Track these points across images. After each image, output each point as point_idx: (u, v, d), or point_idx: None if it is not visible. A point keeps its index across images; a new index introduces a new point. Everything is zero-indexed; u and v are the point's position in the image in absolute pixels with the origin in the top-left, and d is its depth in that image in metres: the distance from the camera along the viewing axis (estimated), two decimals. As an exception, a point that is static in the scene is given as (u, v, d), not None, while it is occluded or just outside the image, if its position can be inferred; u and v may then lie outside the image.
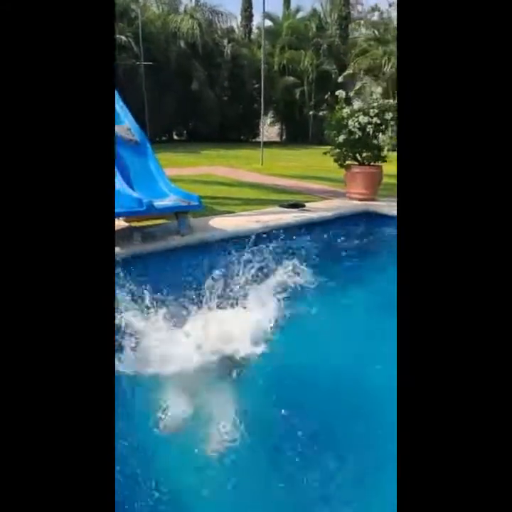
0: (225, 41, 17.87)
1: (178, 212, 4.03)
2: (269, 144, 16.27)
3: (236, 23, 19.87)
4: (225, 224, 4.64)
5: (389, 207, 5.70)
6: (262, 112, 11.84)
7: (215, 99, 17.77)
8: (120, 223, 4.11)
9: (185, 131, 20.13)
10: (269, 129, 22.36)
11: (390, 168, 6.51)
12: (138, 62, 14.03)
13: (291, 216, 5.11)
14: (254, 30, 21.18)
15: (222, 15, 17.61)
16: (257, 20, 20.97)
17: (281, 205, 5.59)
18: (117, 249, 3.54)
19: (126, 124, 4.78)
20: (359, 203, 5.96)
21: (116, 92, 5.02)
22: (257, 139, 19.72)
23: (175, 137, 19.88)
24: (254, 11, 20.70)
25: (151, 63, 14.12)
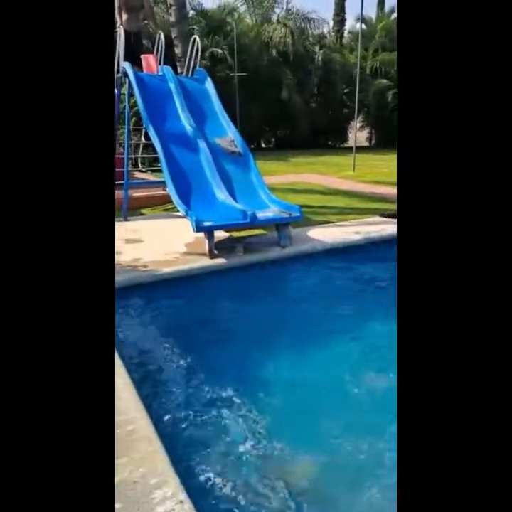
0: (317, 48, 17.76)
1: (278, 224, 3.99)
2: (358, 149, 15.78)
3: (328, 28, 19.68)
4: (324, 235, 4.50)
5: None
6: (356, 116, 11.52)
7: (303, 105, 17.73)
8: (220, 233, 4.18)
9: (273, 139, 20.36)
10: (358, 134, 21.71)
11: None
12: (231, 74, 14.51)
13: (394, 227, 4.81)
14: (346, 34, 20.79)
15: (314, 21, 17.57)
16: (349, 23, 20.60)
17: (382, 215, 5.30)
18: (221, 260, 3.60)
19: (229, 136, 4.89)
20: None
21: (220, 104, 5.17)
22: (346, 145, 19.29)
23: (263, 145, 20.19)
24: (346, 16, 20.36)
25: (244, 74, 14.52)
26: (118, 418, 1.58)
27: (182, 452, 1.69)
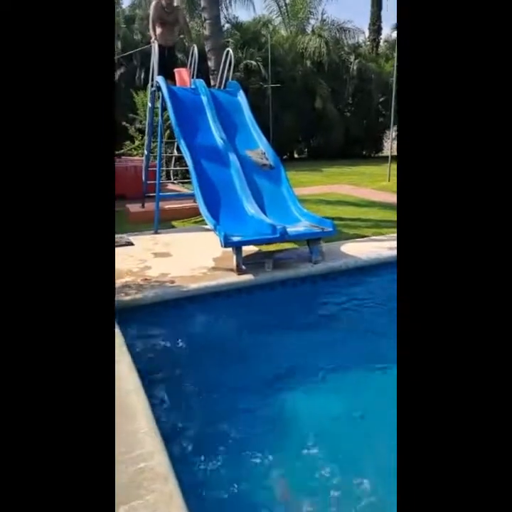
0: (352, 57, 17.59)
1: (310, 239, 3.85)
2: (393, 159, 15.41)
3: (363, 37, 19.47)
4: (358, 250, 4.32)
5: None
6: (392, 125, 11.23)
7: (338, 115, 17.55)
8: (249, 247, 4.09)
9: (306, 149, 20.26)
10: (394, 143, 21.28)
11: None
12: (265, 85, 14.57)
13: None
14: (382, 43, 20.49)
15: (349, 31, 17.46)
16: (385, 32, 20.30)
17: (419, 230, 5.04)
18: (250, 277, 3.49)
19: (260, 149, 4.81)
20: None
21: (252, 116, 5.11)
22: (380, 154, 18.90)
23: (295, 155, 20.11)
24: (382, 24, 20.07)
25: (277, 85, 14.54)
26: (133, 453, 1.50)
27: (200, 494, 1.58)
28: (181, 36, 7.73)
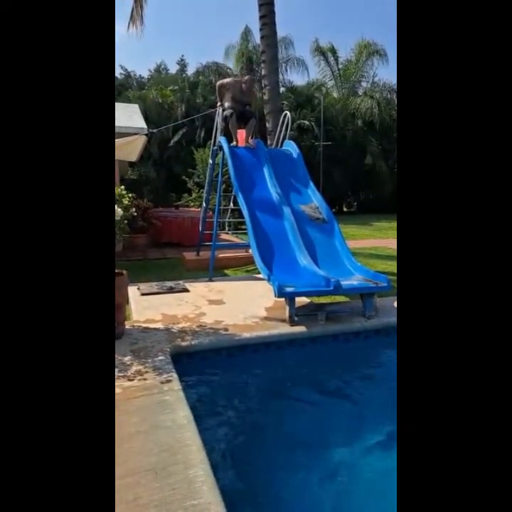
0: (403, 116, 18.03)
1: (363, 293, 3.83)
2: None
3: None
4: (412, 307, 4.21)
5: None
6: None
7: (387, 171, 17.74)
8: (301, 299, 4.11)
9: (355, 203, 20.44)
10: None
11: None
12: (317, 143, 15.16)
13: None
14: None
15: (400, 92, 18.03)
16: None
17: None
18: (302, 329, 3.50)
19: (314, 203, 4.97)
20: None
21: (306, 173, 5.33)
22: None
23: (344, 209, 20.31)
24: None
25: (329, 143, 15.08)
26: (190, 502, 1.51)
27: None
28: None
